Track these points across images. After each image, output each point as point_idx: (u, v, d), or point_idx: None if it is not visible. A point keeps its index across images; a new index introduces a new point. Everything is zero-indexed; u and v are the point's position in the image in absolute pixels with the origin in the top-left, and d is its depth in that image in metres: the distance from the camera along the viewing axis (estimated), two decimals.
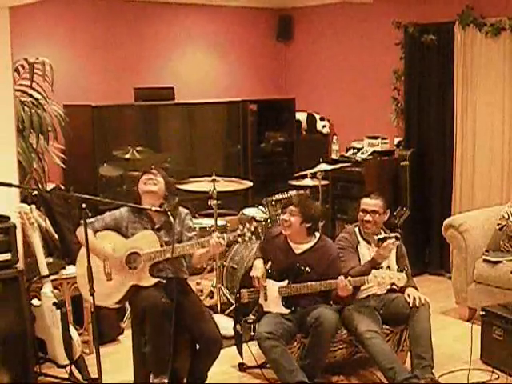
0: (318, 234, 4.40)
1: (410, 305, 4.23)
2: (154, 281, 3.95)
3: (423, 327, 4.20)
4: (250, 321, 4.31)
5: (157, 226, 4.12)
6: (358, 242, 4.46)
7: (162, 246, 3.99)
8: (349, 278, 4.09)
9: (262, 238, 4.44)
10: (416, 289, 4.41)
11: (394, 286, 4.28)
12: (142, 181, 4.18)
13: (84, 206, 3.38)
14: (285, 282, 4.24)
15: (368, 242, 4.47)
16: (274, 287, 4.26)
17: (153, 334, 3.86)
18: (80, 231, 3.98)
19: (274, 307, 4.25)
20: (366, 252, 4.43)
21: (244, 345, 4.46)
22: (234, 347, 4.73)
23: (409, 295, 4.28)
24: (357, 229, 4.52)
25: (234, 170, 7.10)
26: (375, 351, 4.11)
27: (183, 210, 4.23)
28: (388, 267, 4.37)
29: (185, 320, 3.93)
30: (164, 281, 3.98)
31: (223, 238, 3.90)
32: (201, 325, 3.95)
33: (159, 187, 4.14)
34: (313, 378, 4.15)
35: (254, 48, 7.94)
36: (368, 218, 4.40)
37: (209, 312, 4.13)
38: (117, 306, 4.14)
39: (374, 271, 4.07)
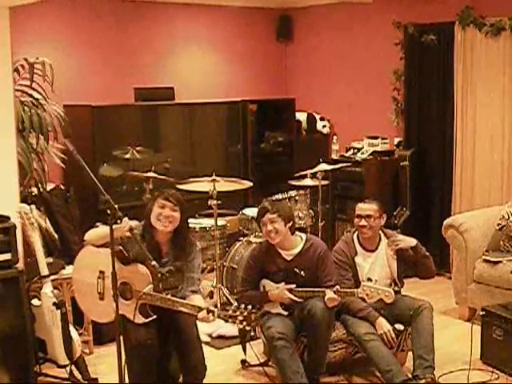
0: (304, 236, 4.36)
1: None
2: (142, 320, 3.66)
3: (426, 328, 4.21)
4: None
5: (164, 260, 3.85)
6: (356, 252, 4.43)
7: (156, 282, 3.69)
8: (337, 287, 4.07)
9: (249, 259, 4.40)
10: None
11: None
12: (157, 210, 3.81)
13: (109, 212, 3.18)
14: (281, 285, 4.21)
15: (367, 250, 4.45)
16: (272, 288, 4.26)
17: (135, 374, 3.72)
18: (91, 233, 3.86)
19: (272, 308, 4.25)
20: (363, 263, 4.41)
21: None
22: (235, 347, 4.75)
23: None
24: (355, 236, 4.50)
25: (234, 169, 7.10)
26: (373, 354, 4.12)
27: (195, 246, 3.96)
28: (376, 280, 4.39)
29: (174, 342, 3.83)
30: (154, 316, 3.68)
31: (213, 314, 3.51)
32: (185, 354, 3.79)
33: (174, 224, 3.82)
34: (315, 378, 4.17)
35: (254, 48, 7.94)
36: (363, 222, 4.36)
37: (199, 340, 3.84)
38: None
39: (364, 284, 4.06)
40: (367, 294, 3.97)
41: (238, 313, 3.41)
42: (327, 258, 4.28)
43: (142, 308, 3.68)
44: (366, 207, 4.40)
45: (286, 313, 4.23)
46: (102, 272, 3.78)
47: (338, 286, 4.08)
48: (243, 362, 4.62)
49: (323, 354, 4.20)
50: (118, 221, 3.33)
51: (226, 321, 3.44)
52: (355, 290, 4.05)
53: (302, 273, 4.21)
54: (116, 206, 3.30)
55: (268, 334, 4.09)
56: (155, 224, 3.82)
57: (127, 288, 3.71)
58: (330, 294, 4.03)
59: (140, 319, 3.67)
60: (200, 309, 3.56)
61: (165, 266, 3.82)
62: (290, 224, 4.24)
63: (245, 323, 3.40)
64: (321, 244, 4.34)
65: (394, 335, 4.18)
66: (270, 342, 4.09)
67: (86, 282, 3.88)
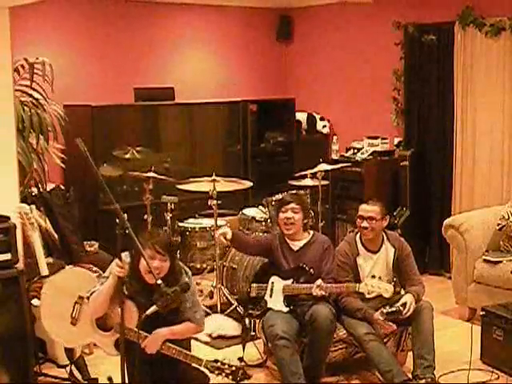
0: (311, 232, 4.53)
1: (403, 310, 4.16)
2: (116, 353, 3.52)
3: (426, 328, 4.21)
4: (254, 315, 4.38)
5: (155, 296, 3.39)
6: (358, 253, 4.43)
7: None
8: (326, 285, 4.13)
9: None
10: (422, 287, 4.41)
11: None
12: (145, 262, 3.41)
13: (118, 221, 3.05)
14: (289, 281, 4.28)
15: (369, 251, 4.45)
16: (279, 285, 4.30)
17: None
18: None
19: (275, 304, 4.28)
20: (365, 264, 4.41)
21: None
22: (235, 347, 4.74)
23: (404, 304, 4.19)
24: (358, 237, 4.49)
25: (234, 169, 7.09)
26: (374, 354, 4.13)
27: (185, 277, 3.66)
28: (380, 277, 4.38)
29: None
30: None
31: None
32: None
33: (164, 272, 3.54)
34: (315, 380, 4.17)
35: (254, 48, 7.93)
36: (365, 224, 4.36)
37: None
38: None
39: (366, 280, 4.14)
40: (368, 291, 4.08)
41: (225, 366, 3.33)
42: (331, 252, 4.41)
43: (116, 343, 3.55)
44: (369, 209, 4.39)
45: (286, 309, 4.24)
46: (80, 297, 3.72)
47: (326, 283, 4.16)
48: (240, 359, 4.61)
49: (322, 358, 4.21)
50: (126, 231, 3.11)
51: (212, 372, 3.34)
52: (357, 284, 4.13)
53: (312, 270, 4.27)
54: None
55: (270, 333, 4.10)
56: (145, 276, 3.52)
57: (105, 320, 3.59)
58: (319, 281, 4.13)
59: (114, 352, 3.56)
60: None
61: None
62: (305, 220, 4.47)
63: (231, 377, 3.30)
64: (326, 238, 4.52)
65: (387, 321, 4.14)
66: (271, 340, 4.10)
67: (58, 304, 3.79)
